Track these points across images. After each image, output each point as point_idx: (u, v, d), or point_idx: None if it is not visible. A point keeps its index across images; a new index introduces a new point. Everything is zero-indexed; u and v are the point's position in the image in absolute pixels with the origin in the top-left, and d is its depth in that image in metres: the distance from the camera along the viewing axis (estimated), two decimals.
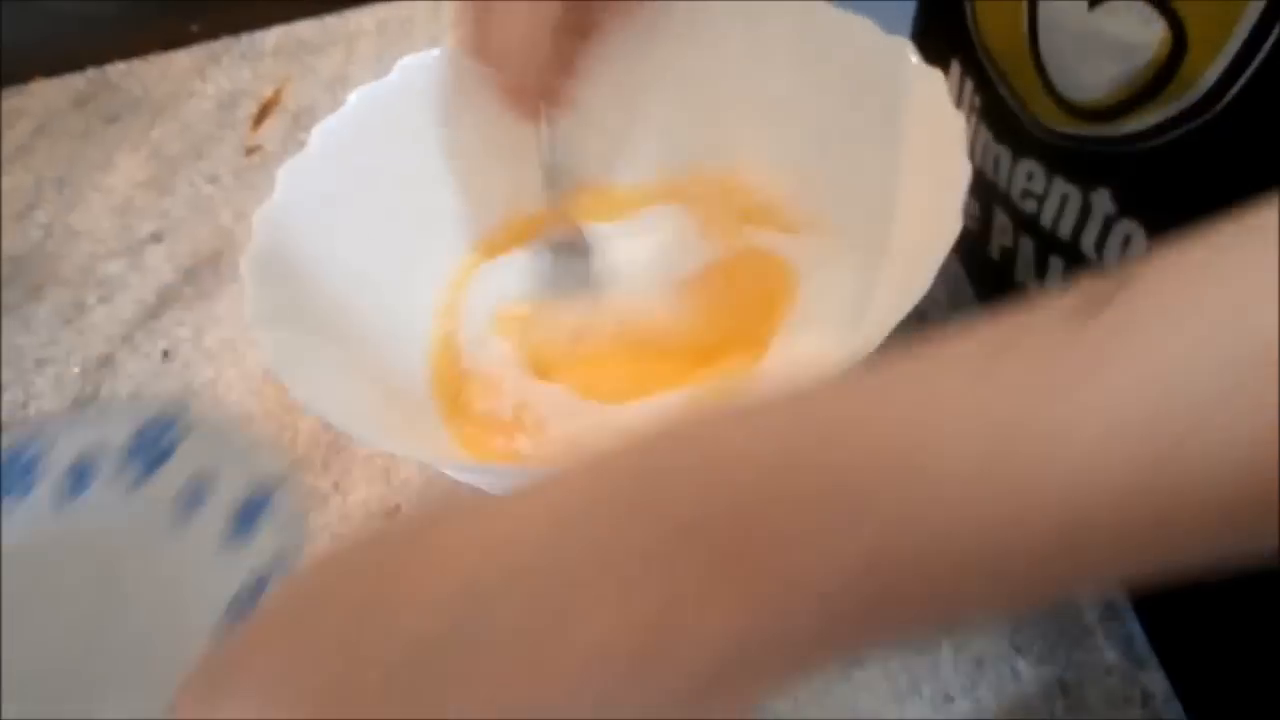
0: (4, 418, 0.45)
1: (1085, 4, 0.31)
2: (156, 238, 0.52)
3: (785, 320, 0.36)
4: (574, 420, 0.34)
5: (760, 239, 0.38)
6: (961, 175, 0.30)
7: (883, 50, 0.35)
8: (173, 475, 0.32)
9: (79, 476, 0.33)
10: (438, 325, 0.39)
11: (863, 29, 0.35)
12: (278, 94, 0.59)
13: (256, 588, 0.29)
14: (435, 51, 0.40)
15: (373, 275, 0.37)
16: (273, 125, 0.57)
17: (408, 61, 0.40)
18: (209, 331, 0.47)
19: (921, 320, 0.40)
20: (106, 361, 0.46)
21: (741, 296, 0.37)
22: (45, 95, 0.63)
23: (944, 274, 0.29)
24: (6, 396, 0.45)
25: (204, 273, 0.50)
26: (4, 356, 0.47)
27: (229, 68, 0.62)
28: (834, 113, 0.37)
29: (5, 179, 0.57)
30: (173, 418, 0.33)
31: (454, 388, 0.37)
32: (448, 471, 0.34)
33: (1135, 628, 0.31)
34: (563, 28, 0.32)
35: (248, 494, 0.31)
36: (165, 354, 0.46)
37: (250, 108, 0.59)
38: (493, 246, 0.41)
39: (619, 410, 0.34)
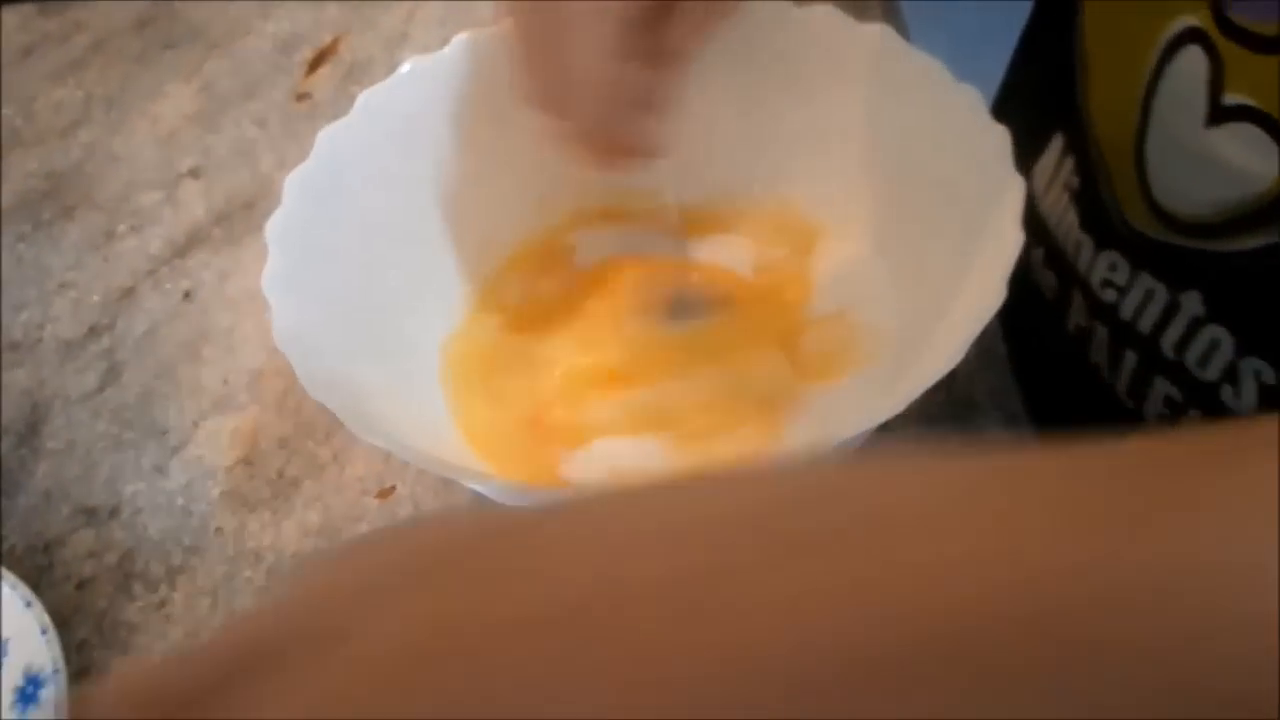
0: (21, 338, 0.45)
1: (1201, 121, 0.29)
2: (195, 174, 0.52)
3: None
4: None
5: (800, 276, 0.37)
6: (1012, 244, 0.29)
7: (951, 97, 0.33)
8: None
9: None
10: (465, 316, 0.38)
11: (934, 71, 0.34)
12: (335, 43, 0.58)
13: None
14: (492, 29, 0.39)
15: (401, 256, 0.36)
16: (326, 75, 0.57)
17: (465, 37, 0.39)
18: (233, 278, 0.46)
19: (950, 375, 0.39)
20: (128, 294, 0.46)
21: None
22: (107, 12, 0.62)
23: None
24: (24, 316, 0.45)
25: (236, 217, 0.49)
26: (27, 275, 0.47)
27: (292, 9, 0.61)
28: (888, 153, 0.35)
29: (56, 92, 0.57)
30: None
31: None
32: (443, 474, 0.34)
33: None
34: (634, 56, 0.27)
35: (23, 679, 0.32)
36: (186, 294, 0.46)
37: (306, 53, 0.58)
38: (534, 244, 0.40)
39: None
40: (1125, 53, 0.32)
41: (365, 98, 0.37)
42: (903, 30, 0.36)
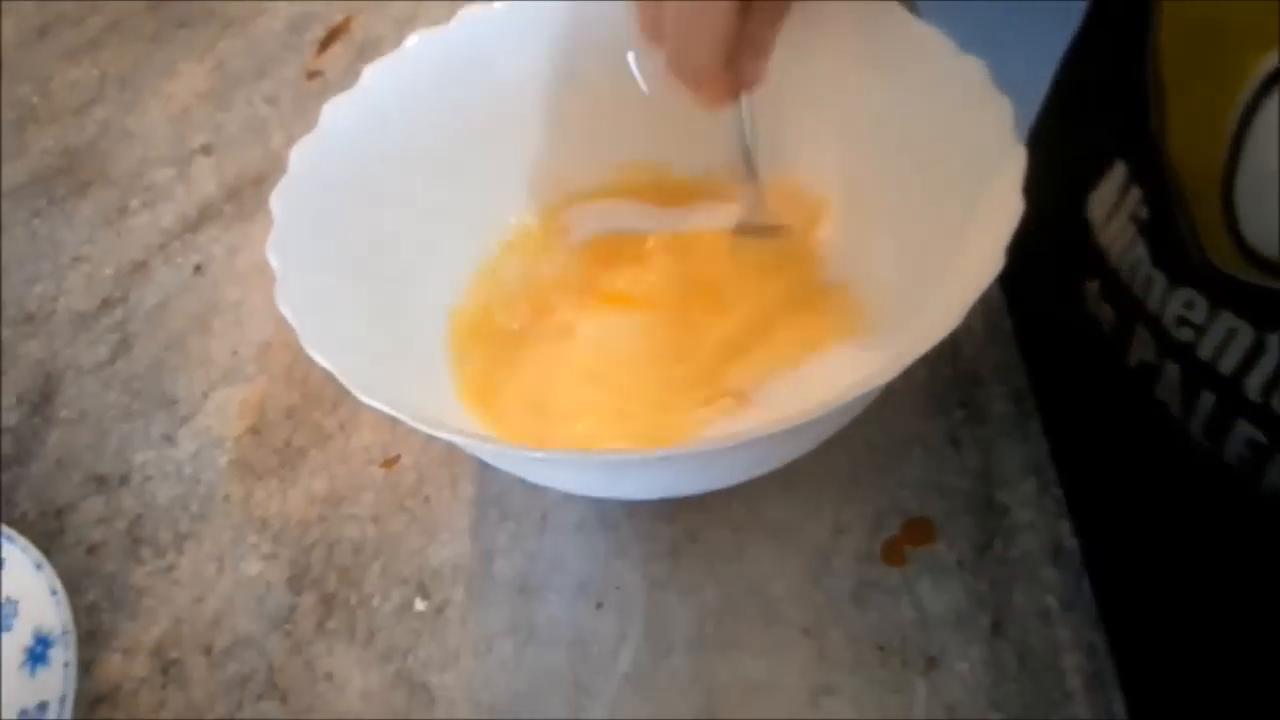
0: (35, 310, 0.45)
1: None
2: (207, 151, 0.52)
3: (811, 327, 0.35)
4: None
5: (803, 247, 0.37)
6: (1012, 214, 0.28)
7: (954, 67, 0.33)
8: None
9: None
10: (469, 286, 0.38)
11: (937, 41, 0.34)
12: (347, 22, 0.59)
13: (37, 713, 0.31)
14: (498, 5, 0.39)
15: (404, 227, 0.36)
16: (337, 53, 0.57)
17: (470, 11, 0.39)
18: (242, 253, 0.47)
19: (955, 349, 0.39)
20: (140, 268, 0.47)
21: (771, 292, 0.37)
22: None
23: (983, 303, 0.28)
24: (38, 289, 0.46)
25: (247, 193, 0.50)
26: (42, 249, 0.48)
27: None
28: (891, 124, 0.35)
29: (71, 71, 0.58)
30: None
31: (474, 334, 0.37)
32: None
33: (1116, 697, 0.30)
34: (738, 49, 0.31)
35: (33, 640, 0.33)
36: (197, 268, 0.47)
37: (318, 32, 0.58)
38: (536, 216, 0.40)
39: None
40: (1212, 84, 0.29)
41: (370, 71, 0.37)
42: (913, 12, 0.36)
